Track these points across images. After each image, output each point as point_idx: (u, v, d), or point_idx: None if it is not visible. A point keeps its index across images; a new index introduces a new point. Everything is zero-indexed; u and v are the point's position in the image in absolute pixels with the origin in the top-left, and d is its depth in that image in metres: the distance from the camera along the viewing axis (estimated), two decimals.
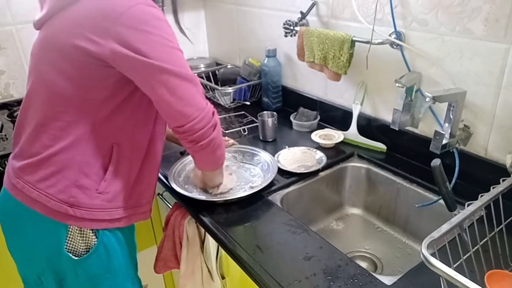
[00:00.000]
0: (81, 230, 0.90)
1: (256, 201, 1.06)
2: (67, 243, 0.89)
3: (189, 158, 1.24)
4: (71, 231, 0.89)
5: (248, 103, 1.72)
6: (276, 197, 1.10)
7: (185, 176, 1.19)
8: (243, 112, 1.64)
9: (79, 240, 0.90)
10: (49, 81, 0.86)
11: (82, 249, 0.91)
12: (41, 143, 0.87)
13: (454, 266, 0.64)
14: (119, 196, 0.93)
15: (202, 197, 1.07)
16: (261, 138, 1.41)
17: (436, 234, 0.63)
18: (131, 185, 0.95)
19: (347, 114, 1.36)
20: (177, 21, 0.99)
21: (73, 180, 0.87)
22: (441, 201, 0.88)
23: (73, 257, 0.90)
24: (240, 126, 1.50)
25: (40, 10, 0.89)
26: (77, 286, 0.94)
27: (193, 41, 2.02)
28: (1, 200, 0.95)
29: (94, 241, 0.91)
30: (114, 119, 0.88)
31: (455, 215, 0.68)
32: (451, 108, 1.00)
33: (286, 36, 1.43)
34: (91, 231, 0.91)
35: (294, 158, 1.25)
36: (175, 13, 0.98)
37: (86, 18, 0.80)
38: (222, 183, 1.09)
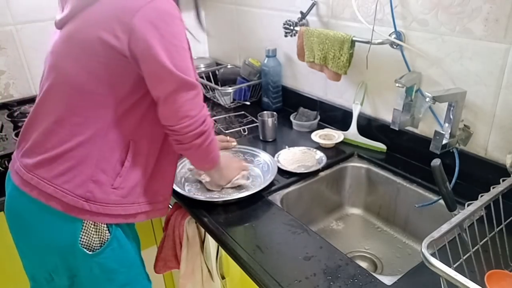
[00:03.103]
0: (95, 225, 0.91)
1: (256, 201, 1.06)
2: (82, 237, 0.90)
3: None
4: (86, 226, 0.90)
5: (248, 103, 1.72)
6: (276, 197, 1.10)
7: (183, 176, 1.19)
8: (243, 112, 1.64)
9: (94, 234, 0.91)
10: (71, 77, 0.87)
11: (96, 243, 0.92)
12: (58, 138, 0.88)
13: (454, 266, 0.64)
14: (133, 192, 0.94)
15: (202, 197, 1.07)
16: (261, 138, 1.41)
17: (436, 234, 0.63)
18: (146, 181, 0.96)
19: (347, 114, 1.36)
20: (198, 17, 1.03)
21: (90, 175, 0.88)
22: (441, 201, 0.88)
23: (87, 251, 0.91)
24: (240, 126, 1.50)
25: (61, 10, 0.92)
26: (91, 281, 0.95)
27: (193, 41, 2.03)
28: (10, 198, 0.94)
29: (108, 236, 0.92)
30: (131, 115, 0.90)
31: (455, 215, 0.68)
32: (451, 108, 1.00)
33: (286, 36, 1.43)
34: (105, 226, 0.92)
35: (294, 158, 1.25)
36: (196, 9, 1.00)
37: (108, 14, 0.83)
38: (231, 181, 1.11)
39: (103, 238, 0.92)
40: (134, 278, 1.01)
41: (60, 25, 0.91)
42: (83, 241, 0.90)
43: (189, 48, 0.91)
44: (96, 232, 0.91)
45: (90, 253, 0.91)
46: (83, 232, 0.90)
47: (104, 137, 0.88)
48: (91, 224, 0.90)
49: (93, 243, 0.92)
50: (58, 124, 0.88)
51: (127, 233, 0.98)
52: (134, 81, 0.87)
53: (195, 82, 0.87)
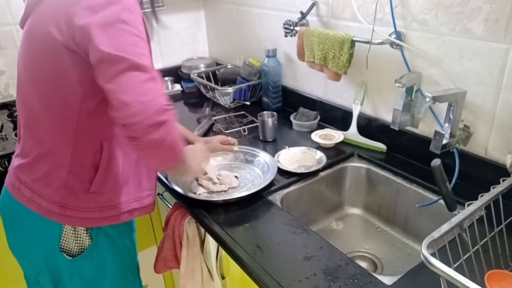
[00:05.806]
0: (75, 230, 0.89)
1: (256, 201, 1.06)
2: (61, 242, 0.89)
3: None
4: (65, 231, 0.89)
5: (248, 103, 1.72)
6: (276, 197, 1.10)
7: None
8: (243, 112, 1.64)
9: (72, 239, 0.90)
10: (31, 80, 0.85)
11: (75, 249, 0.91)
12: (30, 144, 0.87)
13: (454, 266, 0.64)
14: (114, 193, 0.91)
15: (202, 197, 1.07)
16: (261, 138, 1.41)
17: (436, 234, 0.63)
18: (125, 180, 0.93)
19: (347, 114, 1.36)
20: (154, 13, 0.96)
21: (64, 180, 0.86)
22: (441, 201, 0.88)
23: (67, 257, 0.90)
24: (240, 126, 1.50)
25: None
26: (72, 287, 0.94)
27: (193, 41, 2.04)
28: (2, 199, 0.95)
29: (88, 242, 0.91)
30: (98, 115, 0.84)
31: (455, 215, 0.68)
32: (451, 108, 1.00)
33: (286, 36, 1.43)
34: (85, 232, 0.90)
35: (294, 158, 1.25)
36: (153, 10, 0.95)
37: (54, 8, 0.78)
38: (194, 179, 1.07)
39: (82, 244, 0.91)
40: (120, 287, 1.00)
41: (21, 24, 0.88)
42: (63, 246, 0.89)
43: (148, 40, 0.83)
44: (76, 237, 0.90)
45: (70, 258, 0.90)
46: (63, 236, 0.89)
47: (74, 140, 0.85)
48: (71, 229, 0.89)
49: (73, 248, 0.90)
50: (28, 130, 0.87)
51: (114, 239, 0.95)
52: (90, 80, 0.78)
53: (147, 65, 0.74)
